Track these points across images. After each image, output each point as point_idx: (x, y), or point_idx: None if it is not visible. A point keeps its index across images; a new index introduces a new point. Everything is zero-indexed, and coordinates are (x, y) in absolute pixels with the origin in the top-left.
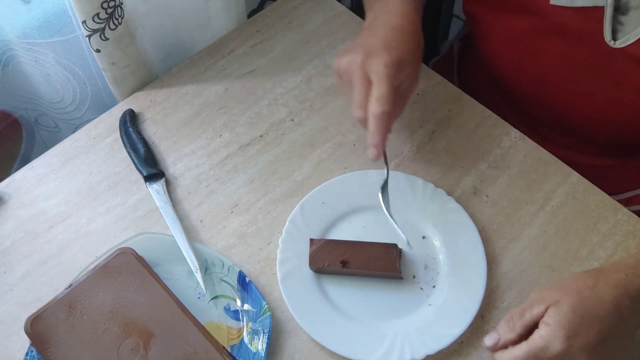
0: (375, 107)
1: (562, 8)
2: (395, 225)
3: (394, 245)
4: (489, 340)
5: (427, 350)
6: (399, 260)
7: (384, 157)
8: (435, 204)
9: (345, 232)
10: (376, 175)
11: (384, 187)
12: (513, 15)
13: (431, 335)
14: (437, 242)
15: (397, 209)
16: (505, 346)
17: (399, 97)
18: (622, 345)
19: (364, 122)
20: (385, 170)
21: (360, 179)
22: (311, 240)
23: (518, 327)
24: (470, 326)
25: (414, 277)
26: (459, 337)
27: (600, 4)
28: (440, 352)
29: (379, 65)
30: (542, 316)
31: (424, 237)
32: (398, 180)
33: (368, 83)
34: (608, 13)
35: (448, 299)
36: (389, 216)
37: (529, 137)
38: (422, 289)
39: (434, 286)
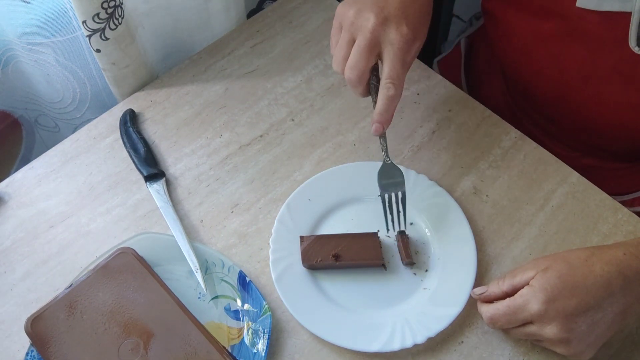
0: (388, 89)
1: (587, 12)
2: (385, 215)
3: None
4: (477, 290)
5: (427, 333)
6: (409, 247)
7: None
8: (418, 189)
9: (334, 227)
10: (357, 168)
11: (384, 168)
12: (536, 17)
13: (430, 318)
14: (424, 227)
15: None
16: (490, 300)
17: None
18: (608, 323)
19: (353, 83)
20: (384, 147)
21: (343, 172)
22: (301, 237)
23: (506, 285)
24: (469, 326)
25: None
26: (457, 316)
27: (628, 10)
28: (440, 348)
29: (396, 37)
30: (531, 280)
31: (411, 224)
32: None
33: (374, 49)
34: (635, 19)
35: (442, 281)
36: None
37: (539, 137)
38: (415, 274)
39: (426, 270)
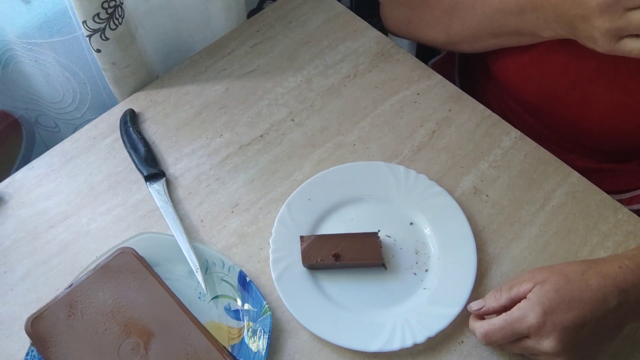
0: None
1: None
2: None
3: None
4: (474, 305)
5: (427, 332)
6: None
7: None
8: (418, 189)
9: (334, 226)
10: (357, 168)
11: None
12: None
13: (430, 318)
14: (425, 227)
15: (382, 198)
16: (487, 313)
17: None
18: (604, 336)
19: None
20: None
21: (343, 172)
22: (301, 237)
23: (503, 299)
24: (469, 328)
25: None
26: (457, 316)
27: None
28: (440, 348)
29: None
30: (528, 292)
31: (411, 224)
32: (381, 169)
33: None
34: None
35: (442, 281)
36: None
37: (533, 140)
38: (415, 274)
39: (426, 270)
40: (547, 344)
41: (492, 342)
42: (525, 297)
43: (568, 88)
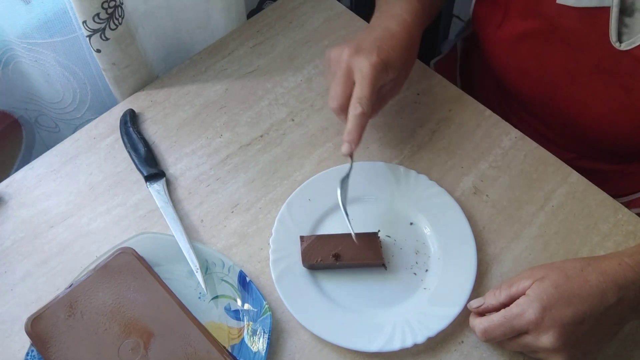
0: (355, 108)
1: (567, 10)
2: (347, 219)
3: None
4: (474, 302)
5: (427, 332)
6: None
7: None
8: (419, 189)
9: (334, 226)
10: (357, 168)
11: (344, 180)
12: (519, 17)
13: (430, 318)
14: (425, 227)
15: (383, 198)
16: (486, 311)
17: (378, 98)
18: (603, 333)
19: (337, 112)
20: (349, 165)
21: (343, 173)
22: (301, 237)
23: (502, 296)
24: (469, 326)
25: None
26: (457, 316)
27: (606, 5)
28: (440, 348)
29: (364, 64)
30: (527, 289)
31: (411, 224)
32: (381, 169)
33: (349, 78)
34: (614, 14)
35: (442, 281)
36: (342, 208)
37: (532, 140)
38: (415, 274)
39: (426, 270)
40: (546, 339)
41: (491, 338)
42: (524, 294)
43: (567, 83)
